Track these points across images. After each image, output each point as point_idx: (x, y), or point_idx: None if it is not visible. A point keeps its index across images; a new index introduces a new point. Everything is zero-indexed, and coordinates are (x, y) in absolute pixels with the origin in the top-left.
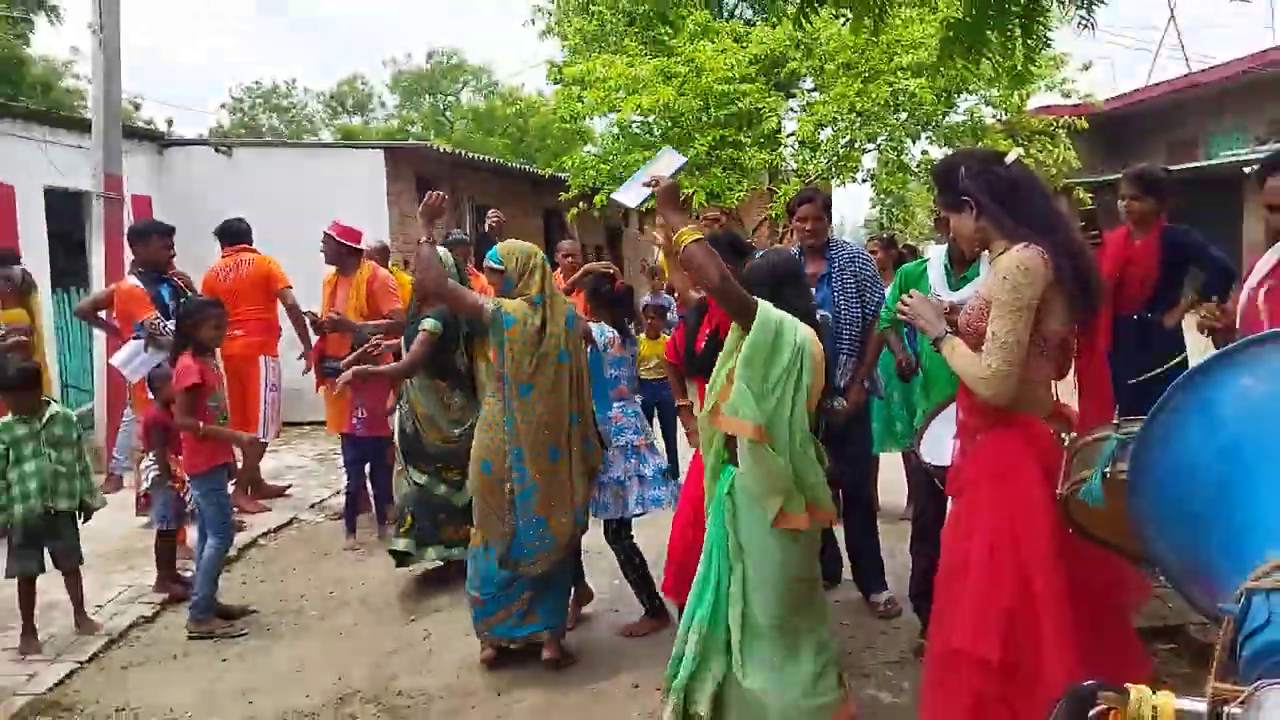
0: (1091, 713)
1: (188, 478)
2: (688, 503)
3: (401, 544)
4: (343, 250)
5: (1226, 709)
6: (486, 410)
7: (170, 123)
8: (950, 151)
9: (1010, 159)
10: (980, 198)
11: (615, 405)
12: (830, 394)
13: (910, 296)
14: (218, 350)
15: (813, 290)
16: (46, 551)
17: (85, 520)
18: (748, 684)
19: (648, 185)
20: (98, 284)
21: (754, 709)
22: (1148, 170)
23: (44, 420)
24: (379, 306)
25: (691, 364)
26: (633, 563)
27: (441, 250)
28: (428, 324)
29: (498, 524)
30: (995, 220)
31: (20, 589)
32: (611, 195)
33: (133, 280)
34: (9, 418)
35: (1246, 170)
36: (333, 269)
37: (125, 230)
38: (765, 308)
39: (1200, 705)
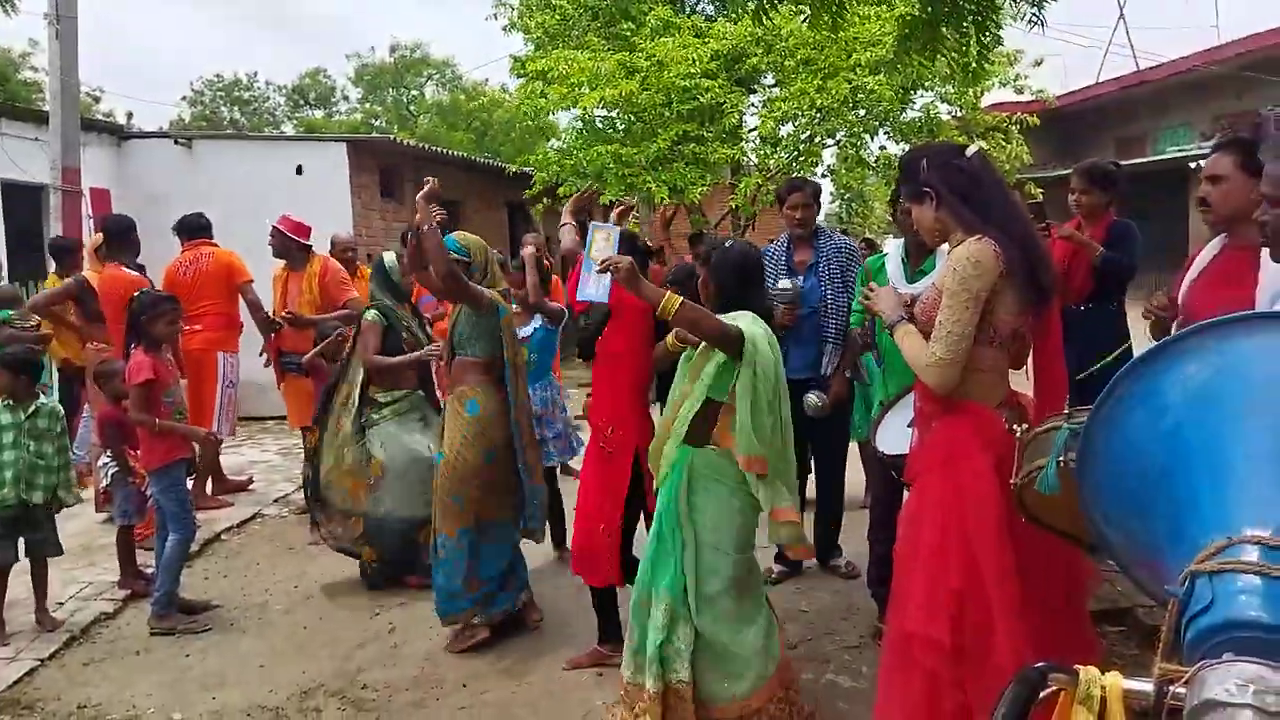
0: (1042, 694)
1: (146, 473)
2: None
3: None
4: (291, 245)
5: (1171, 688)
6: (481, 403)
7: (130, 115)
8: (910, 146)
9: (971, 152)
10: (940, 189)
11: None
12: (813, 387)
13: (872, 286)
14: (175, 345)
15: (800, 278)
16: (22, 542)
17: (55, 512)
18: (712, 638)
19: (603, 272)
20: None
21: (720, 662)
22: (1096, 164)
23: (30, 411)
24: (333, 297)
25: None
26: None
27: (389, 256)
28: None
29: (508, 502)
30: (953, 211)
31: None
32: (578, 297)
33: (126, 270)
34: None
35: (1193, 165)
36: (281, 264)
37: (108, 224)
38: (750, 338)
39: (1147, 685)
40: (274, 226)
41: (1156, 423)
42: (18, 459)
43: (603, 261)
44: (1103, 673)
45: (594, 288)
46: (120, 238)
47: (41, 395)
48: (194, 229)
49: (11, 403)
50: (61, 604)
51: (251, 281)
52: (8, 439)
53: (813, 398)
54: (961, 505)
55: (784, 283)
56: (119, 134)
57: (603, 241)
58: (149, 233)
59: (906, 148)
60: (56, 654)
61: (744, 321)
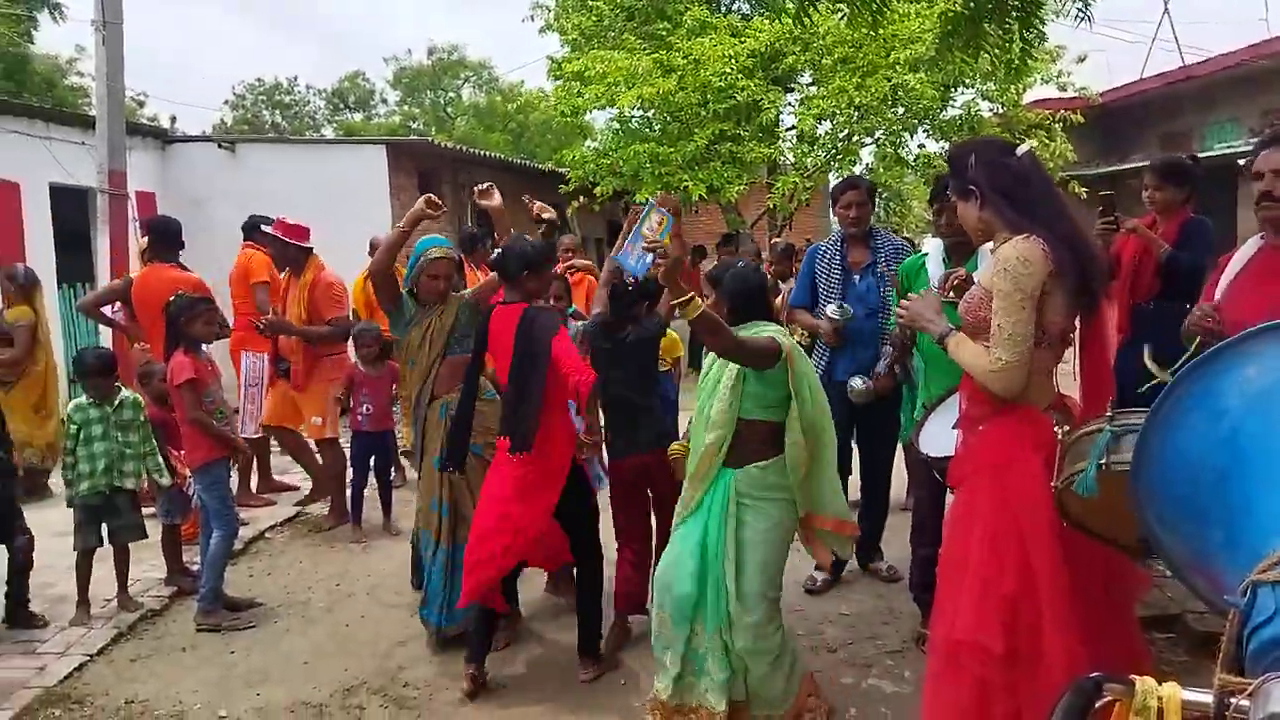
0: (1097, 704)
1: (189, 472)
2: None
3: None
4: (291, 249)
5: (1234, 701)
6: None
7: (174, 120)
8: (953, 142)
9: (1022, 151)
10: (984, 187)
11: None
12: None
13: (907, 300)
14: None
15: (856, 277)
16: (105, 528)
17: (149, 495)
18: (763, 650)
19: (649, 249)
20: (103, 279)
21: (772, 670)
22: (1171, 159)
23: (115, 404)
24: (321, 313)
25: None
26: None
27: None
28: None
29: None
30: (997, 211)
31: (79, 563)
32: (617, 258)
33: (179, 270)
34: (83, 400)
35: (1241, 162)
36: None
37: (152, 225)
38: (789, 346)
39: (1207, 697)
40: (269, 233)
41: (1214, 426)
42: (108, 450)
43: (650, 242)
44: (1159, 683)
45: (634, 260)
46: (163, 238)
47: (124, 389)
48: (245, 230)
49: (97, 400)
50: (109, 601)
51: (265, 283)
52: (98, 431)
53: (857, 382)
54: (1014, 508)
55: (832, 308)
56: (163, 138)
57: (655, 223)
58: (193, 234)
59: (947, 146)
60: (105, 650)
61: (771, 330)
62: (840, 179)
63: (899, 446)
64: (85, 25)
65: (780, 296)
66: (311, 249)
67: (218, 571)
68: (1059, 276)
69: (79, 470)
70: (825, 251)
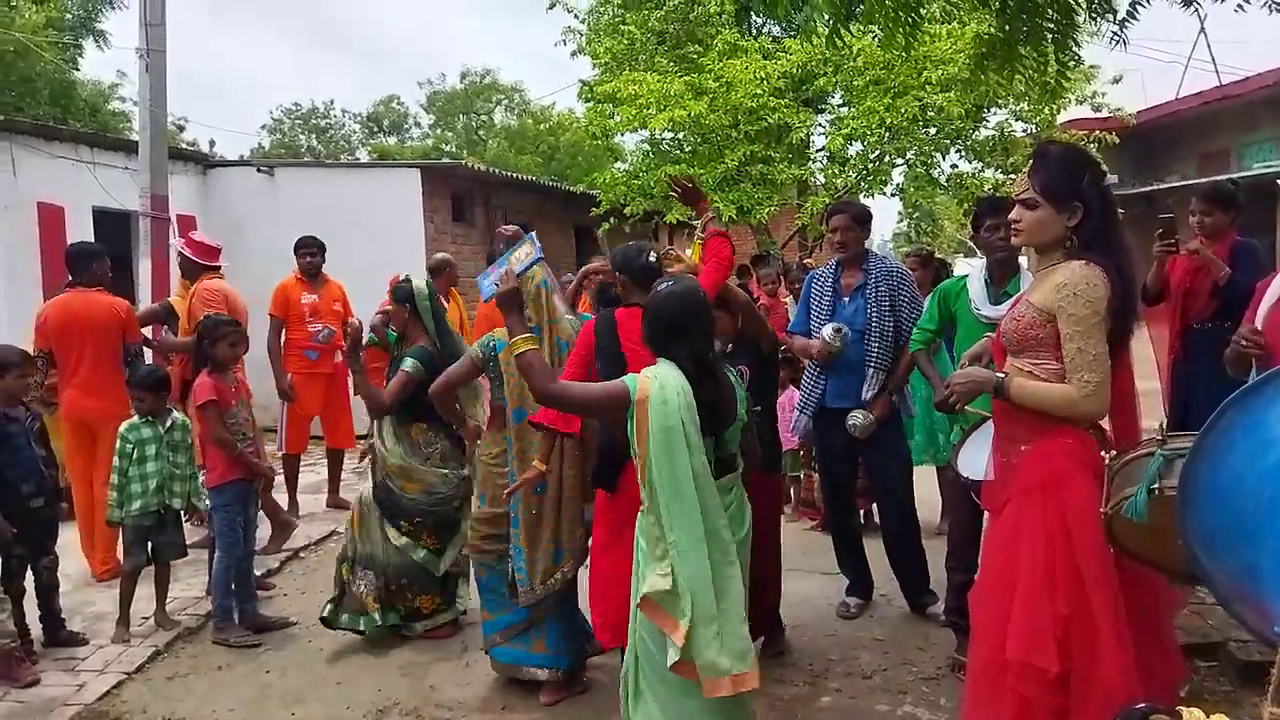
0: None
1: (208, 489)
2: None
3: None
4: (193, 265)
5: None
6: (485, 447)
7: (213, 144)
8: (1050, 141)
9: (1111, 182)
10: (1093, 208)
11: None
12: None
13: (952, 383)
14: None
15: (845, 300)
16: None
17: (189, 520)
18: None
19: (502, 279)
20: (144, 301)
21: None
22: (1219, 185)
23: (167, 425)
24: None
25: None
26: None
27: (419, 282)
28: (409, 364)
29: (495, 549)
30: (1091, 234)
31: (123, 582)
32: (477, 278)
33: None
34: (136, 419)
35: None
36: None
37: (66, 251)
38: (640, 399)
39: None
40: (178, 250)
41: (1262, 456)
42: (160, 469)
43: (504, 273)
44: (1207, 714)
45: (489, 283)
46: (72, 263)
47: (174, 410)
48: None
49: (151, 418)
50: (147, 618)
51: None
52: (151, 451)
53: (859, 417)
54: (1068, 526)
55: (828, 330)
56: (204, 162)
57: (523, 254)
58: (233, 257)
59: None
60: (142, 668)
61: (645, 374)
62: (833, 204)
63: (913, 471)
64: (128, 51)
65: None
66: (218, 267)
67: (223, 590)
68: (1111, 304)
69: (130, 490)
70: (821, 275)
